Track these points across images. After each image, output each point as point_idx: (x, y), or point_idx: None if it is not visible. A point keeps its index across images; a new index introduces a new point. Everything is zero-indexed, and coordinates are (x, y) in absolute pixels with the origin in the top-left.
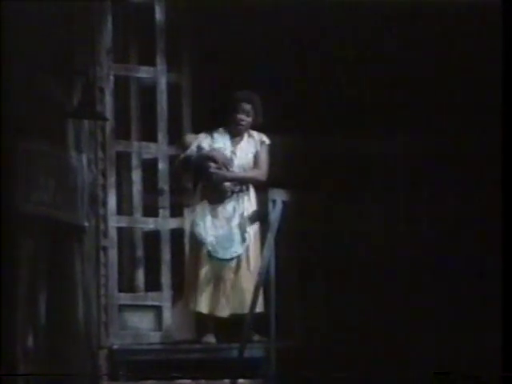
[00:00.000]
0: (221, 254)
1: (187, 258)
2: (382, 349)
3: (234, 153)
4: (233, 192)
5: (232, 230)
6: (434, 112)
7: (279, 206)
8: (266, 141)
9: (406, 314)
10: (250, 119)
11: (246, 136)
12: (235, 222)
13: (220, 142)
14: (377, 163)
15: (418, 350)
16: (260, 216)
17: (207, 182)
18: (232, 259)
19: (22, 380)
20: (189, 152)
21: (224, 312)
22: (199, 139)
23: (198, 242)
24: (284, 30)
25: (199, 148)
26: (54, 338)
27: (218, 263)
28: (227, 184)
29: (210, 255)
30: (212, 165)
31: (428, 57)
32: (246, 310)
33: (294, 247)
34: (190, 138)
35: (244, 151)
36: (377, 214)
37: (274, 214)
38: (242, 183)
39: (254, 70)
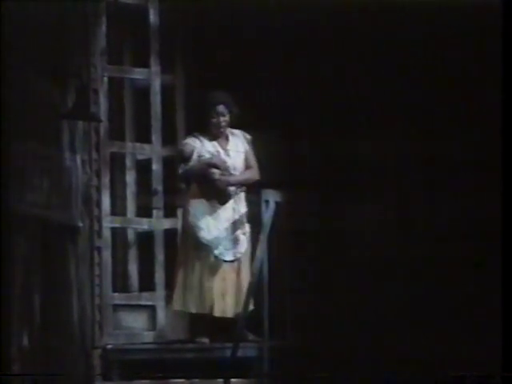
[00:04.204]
0: (226, 256)
1: (185, 260)
2: (377, 348)
3: (227, 155)
4: (235, 194)
5: (234, 231)
6: (433, 112)
7: (272, 206)
8: (249, 137)
9: (403, 313)
10: (227, 118)
11: (229, 136)
12: (236, 223)
13: (211, 147)
14: (372, 163)
15: (416, 349)
16: (253, 216)
17: (211, 189)
18: (235, 260)
19: (18, 380)
20: (192, 163)
21: (230, 312)
22: (195, 147)
23: (203, 246)
24: (278, 29)
25: (199, 156)
26: (48, 338)
27: (223, 265)
28: (231, 188)
29: (216, 257)
30: (215, 171)
31: (427, 57)
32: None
33: (287, 247)
34: (188, 146)
35: (235, 152)
36: (371, 213)
37: (267, 214)
38: (242, 185)
39: (248, 70)
